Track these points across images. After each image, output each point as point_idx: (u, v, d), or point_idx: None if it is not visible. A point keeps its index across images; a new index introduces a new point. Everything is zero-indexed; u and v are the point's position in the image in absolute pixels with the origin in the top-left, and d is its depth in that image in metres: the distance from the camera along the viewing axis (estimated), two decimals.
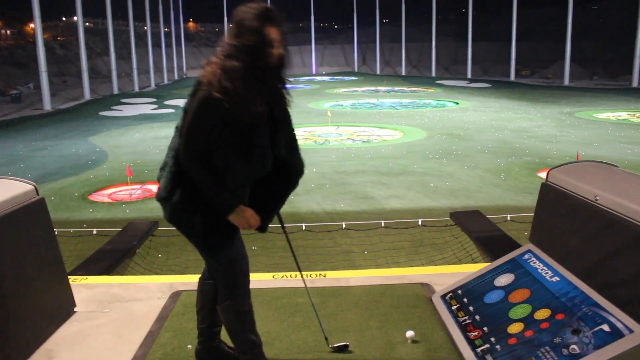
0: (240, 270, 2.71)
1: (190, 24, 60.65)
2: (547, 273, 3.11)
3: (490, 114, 20.39)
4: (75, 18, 30.15)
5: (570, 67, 35.46)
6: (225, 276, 2.69)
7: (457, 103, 24.79)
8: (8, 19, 42.55)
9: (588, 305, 2.67)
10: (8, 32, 44.10)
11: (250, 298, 2.76)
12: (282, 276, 4.20)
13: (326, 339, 3.09)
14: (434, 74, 45.10)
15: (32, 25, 29.05)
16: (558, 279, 3.00)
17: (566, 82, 35.03)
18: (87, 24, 38.76)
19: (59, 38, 44.42)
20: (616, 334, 2.42)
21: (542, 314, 2.82)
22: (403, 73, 47.61)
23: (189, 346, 3.13)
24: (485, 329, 2.97)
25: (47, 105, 24.17)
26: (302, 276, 3.17)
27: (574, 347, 2.48)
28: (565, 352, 2.50)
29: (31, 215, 3.26)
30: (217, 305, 2.73)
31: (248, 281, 2.75)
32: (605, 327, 2.49)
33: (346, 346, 3.07)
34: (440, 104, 24.63)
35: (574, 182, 3.17)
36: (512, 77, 39.48)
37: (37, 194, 3.37)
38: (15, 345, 2.95)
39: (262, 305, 3.64)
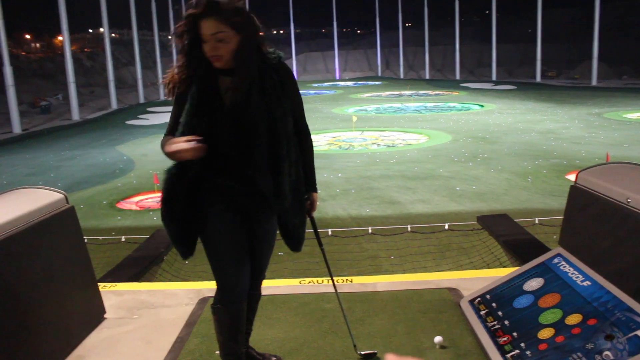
0: (221, 270, 2.60)
1: None
2: (577, 277, 3.05)
3: (516, 116, 20.16)
4: (101, 29, 30.71)
5: (598, 67, 34.85)
6: (213, 274, 2.63)
7: (482, 106, 24.57)
8: (37, 32, 43.50)
9: (621, 310, 2.62)
10: (37, 45, 45.09)
11: (237, 305, 2.63)
12: (309, 282, 4.20)
13: (354, 346, 3.08)
14: (458, 77, 44.77)
15: (60, 38, 29.66)
16: (589, 283, 2.95)
17: (594, 82, 34.43)
18: (113, 35, 39.44)
19: (86, 49, 45.28)
20: None
21: (574, 319, 2.77)
22: (427, 77, 47.36)
23: (217, 352, 3.15)
24: (514, 334, 2.93)
25: (76, 116, 24.63)
26: (332, 282, 3.15)
27: (608, 354, 2.43)
28: (598, 358, 2.44)
29: (62, 223, 3.32)
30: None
31: (236, 286, 2.60)
32: None
33: (374, 354, 3.05)
34: (465, 107, 24.44)
35: (604, 184, 3.11)
36: (538, 79, 38.98)
37: (67, 202, 3.43)
38: (47, 351, 3.00)
39: (289, 311, 3.65)
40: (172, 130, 2.48)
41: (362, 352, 3.05)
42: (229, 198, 2.54)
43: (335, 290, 3.11)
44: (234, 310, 2.63)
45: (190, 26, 2.37)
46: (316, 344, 3.22)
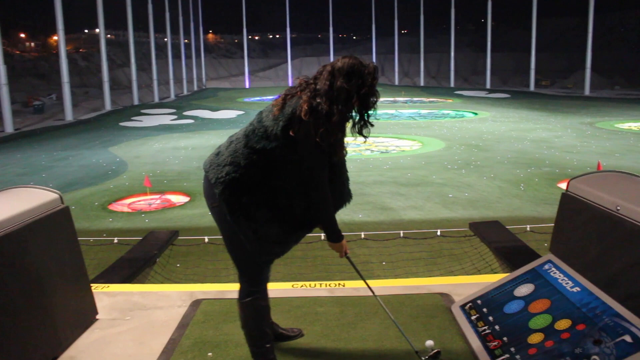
0: (265, 265, 2.94)
1: (210, 36, 61.24)
2: (567, 283, 3.09)
3: (510, 124, 20.28)
4: (97, 30, 30.66)
5: (591, 77, 35.15)
6: (249, 272, 2.87)
7: (475, 114, 24.69)
8: (32, 31, 43.35)
9: (609, 316, 2.65)
10: (32, 44, 44.94)
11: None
12: (302, 285, 4.22)
13: (416, 352, 2.98)
14: (452, 85, 44.97)
15: (55, 38, 29.56)
16: (579, 289, 2.98)
17: (587, 92, 34.71)
18: (109, 35, 39.33)
19: (81, 50, 45.16)
20: (638, 345, 2.40)
21: (563, 324, 2.80)
22: (422, 84, 47.56)
23: (210, 354, 3.16)
24: (505, 339, 2.96)
25: (69, 116, 24.55)
26: (367, 284, 3.14)
27: (595, 358, 2.46)
28: None
29: (56, 223, 3.33)
30: (238, 301, 2.88)
31: (269, 273, 2.99)
32: (627, 338, 2.46)
33: (438, 353, 3.01)
34: (459, 115, 24.56)
35: (595, 192, 3.15)
36: (532, 88, 39.22)
37: (62, 202, 3.43)
38: (39, 351, 3.00)
39: (281, 314, 3.66)
40: None
41: (426, 357, 3.00)
42: None
43: (373, 294, 3.12)
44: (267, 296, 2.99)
45: None
46: (308, 347, 3.23)
